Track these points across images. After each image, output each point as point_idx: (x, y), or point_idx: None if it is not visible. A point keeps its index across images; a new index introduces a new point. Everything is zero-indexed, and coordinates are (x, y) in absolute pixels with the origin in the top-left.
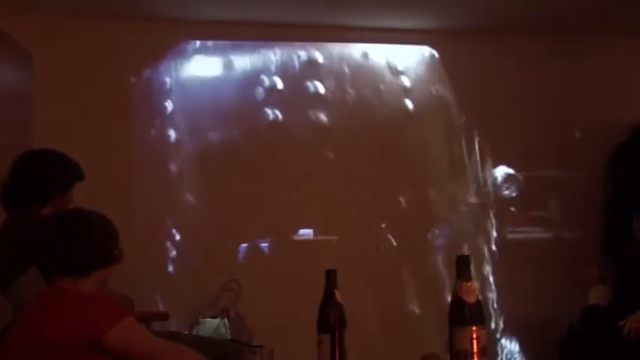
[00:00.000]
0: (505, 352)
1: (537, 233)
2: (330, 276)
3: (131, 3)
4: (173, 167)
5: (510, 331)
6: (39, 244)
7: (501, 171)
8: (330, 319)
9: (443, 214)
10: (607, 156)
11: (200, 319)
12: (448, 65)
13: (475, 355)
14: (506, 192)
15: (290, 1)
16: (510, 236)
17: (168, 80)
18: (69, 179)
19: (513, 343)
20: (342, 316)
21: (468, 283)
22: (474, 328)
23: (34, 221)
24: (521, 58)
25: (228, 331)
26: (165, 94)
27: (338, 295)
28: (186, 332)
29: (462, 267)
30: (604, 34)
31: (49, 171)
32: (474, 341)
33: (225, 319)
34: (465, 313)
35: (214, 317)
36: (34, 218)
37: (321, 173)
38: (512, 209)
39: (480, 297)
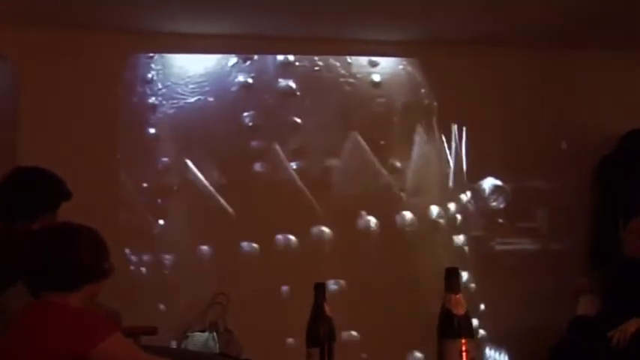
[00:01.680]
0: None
1: (525, 244)
2: (319, 289)
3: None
4: (161, 171)
5: (499, 342)
6: (27, 258)
7: (489, 183)
8: (319, 333)
9: (428, 225)
10: (593, 167)
11: (188, 334)
12: (431, 77)
13: None
14: (494, 203)
15: (270, 14)
16: (498, 247)
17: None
18: (57, 198)
19: (502, 355)
20: (331, 330)
21: (457, 296)
22: (463, 341)
23: (21, 235)
24: (506, 70)
25: (217, 345)
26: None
27: (327, 309)
28: (175, 347)
29: (450, 279)
30: (589, 46)
31: (37, 189)
32: (464, 353)
33: (214, 333)
34: (454, 326)
35: (203, 331)
36: (21, 233)
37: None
38: (500, 220)
39: (468, 309)
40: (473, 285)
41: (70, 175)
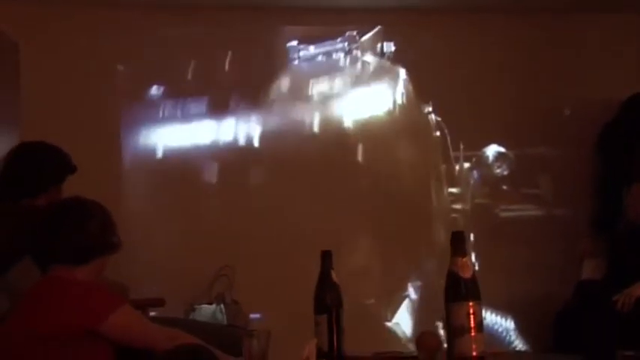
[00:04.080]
0: (500, 329)
1: (529, 211)
2: (326, 257)
3: None
4: (164, 150)
5: (503, 309)
6: (35, 233)
7: (492, 150)
8: (327, 300)
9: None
10: (596, 133)
11: (195, 306)
12: (428, 46)
13: (472, 330)
14: (498, 170)
15: None
16: (502, 214)
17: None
18: (62, 172)
19: (507, 321)
20: (338, 297)
21: (464, 259)
22: (470, 304)
23: (28, 211)
24: (507, 36)
25: (225, 317)
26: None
27: (334, 276)
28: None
29: (456, 243)
30: (590, 10)
31: (43, 164)
32: (471, 316)
33: (221, 305)
34: (461, 289)
35: (210, 304)
36: (28, 208)
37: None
38: (504, 187)
39: (474, 272)
40: (477, 252)
41: (72, 148)
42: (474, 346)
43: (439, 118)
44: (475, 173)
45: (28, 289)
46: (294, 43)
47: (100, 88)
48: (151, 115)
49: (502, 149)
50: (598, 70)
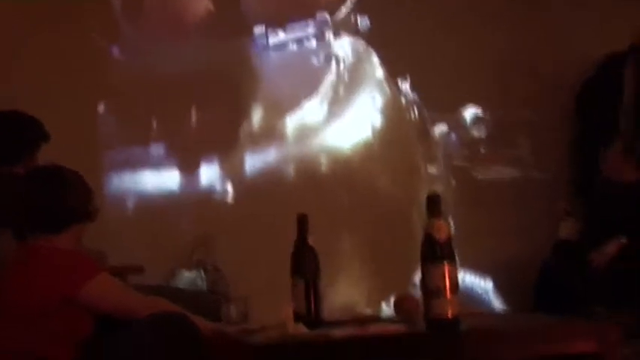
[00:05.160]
0: (479, 291)
1: (507, 173)
2: (302, 221)
3: None
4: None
5: (481, 271)
6: (11, 203)
7: (470, 112)
8: (304, 264)
9: (414, 158)
10: (574, 93)
11: (176, 272)
12: (403, 14)
13: (447, 291)
14: (476, 132)
15: None
16: (480, 177)
17: None
18: (36, 140)
19: (487, 283)
20: (315, 260)
21: (439, 221)
22: (445, 265)
23: (5, 179)
24: None
25: (205, 284)
26: None
27: (311, 240)
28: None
29: (432, 205)
30: None
31: (16, 132)
32: (446, 278)
33: (202, 272)
34: (437, 250)
35: (190, 270)
36: (4, 176)
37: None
38: (482, 150)
39: (451, 234)
40: (455, 215)
41: (47, 116)
42: (449, 308)
43: (413, 87)
44: (453, 136)
45: (9, 260)
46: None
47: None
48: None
49: (480, 111)
50: (575, 29)
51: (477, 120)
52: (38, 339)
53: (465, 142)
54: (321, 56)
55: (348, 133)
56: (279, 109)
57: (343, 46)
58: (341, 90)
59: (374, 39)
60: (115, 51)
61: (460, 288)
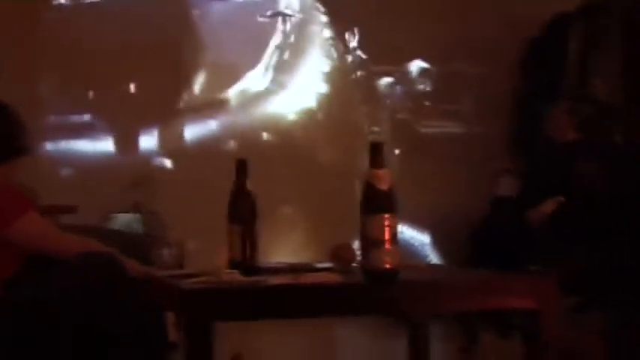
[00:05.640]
0: (417, 243)
1: (450, 128)
2: (241, 166)
3: None
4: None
5: (422, 224)
6: None
7: (416, 65)
8: (240, 210)
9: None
10: (518, 50)
11: (111, 215)
12: None
13: (387, 243)
14: (421, 86)
15: None
16: (424, 130)
17: None
18: None
19: (425, 236)
20: (252, 207)
21: (381, 171)
22: (386, 216)
23: None
24: None
25: (141, 227)
26: None
27: (249, 185)
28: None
29: (374, 154)
30: None
31: None
32: (386, 229)
33: (138, 215)
34: (377, 201)
35: (126, 212)
36: None
37: None
38: (426, 103)
39: (392, 185)
40: (397, 167)
41: None
42: (388, 259)
43: (360, 43)
44: (397, 89)
45: None
46: None
47: None
48: None
49: (425, 65)
50: None
51: (422, 73)
52: None
53: (409, 95)
54: (267, 12)
55: (292, 100)
56: (221, 74)
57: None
58: (286, 54)
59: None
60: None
61: (399, 240)
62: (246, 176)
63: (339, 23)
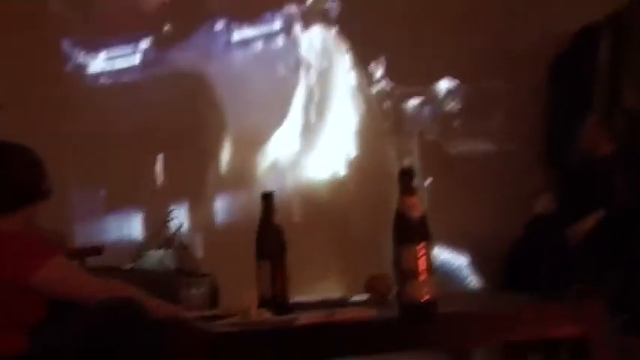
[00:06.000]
0: (453, 268)
1: (481, 147)
2: (267, 199)
3: None
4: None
5: (458, 247)
6: None
7: (444, 84)
8: (268, 245)
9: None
10: (547, 66)
11: (143, 252)
12: None
13: (422, 273)
14: (450, 106)
15: None
16: (454, 151)
17: None
18: None
19: (462, 259)
20: (280, 241)
21: (412, 198)
22: (419, 245)
23: None
24: None
25: (173, 262)
26: None
27: (276, 219)
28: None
29: (404, 180)
30: None
31: None
32: (421, 259)
33: (169, 250)
34: (410, 230)
35: (158, 249)
36: None
37: None
38: (456, 123)
39: (425, 212)
40: (429, 189)
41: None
42: (424, 290)
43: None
44: (426, 110)
45: None
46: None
47: None
48: None
49: (453, 84)
50: (549, 3)
51: (450, 92)
52: None
53: (438, 115)
54: (290, 60)
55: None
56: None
57: (312, 40)
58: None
59: (344, 23)
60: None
61: (434, 266)
62: (272, 210)
63: (364, 53)
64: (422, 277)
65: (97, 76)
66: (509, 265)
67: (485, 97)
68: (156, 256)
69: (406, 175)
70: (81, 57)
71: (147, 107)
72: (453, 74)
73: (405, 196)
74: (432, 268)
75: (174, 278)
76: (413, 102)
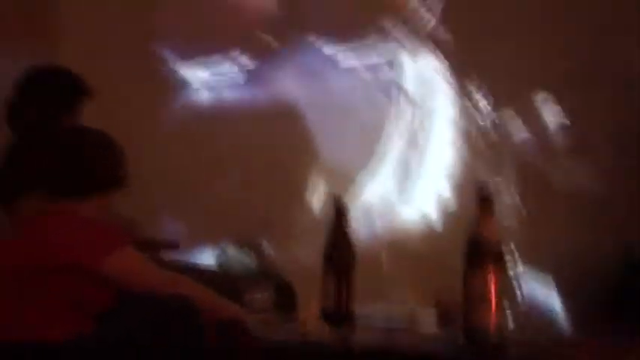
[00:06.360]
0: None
1: (578, 165)
2: (340, 206)
3: None
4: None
5: (546, 276)
6: (36, 164)
7: (541, 99)
8: (338, 255)
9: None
10: None
11: (224, 249)
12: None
13: (492, 299)
14: (548, 122)
15: None
16: (551, 170)
17: None
18: (73, 95)
19: (548, 283)
20: (351, 252)
21: (489, 220)
22: (491, 270)
23: (40, 140)
24: None
25: (254, 263)
26: None
27: (347, 231)
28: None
29: (483, 201)
30: None
31: (52, 87)
32: (492, 284)
33: (250, 250)
34: (484, 253)
35: (238, 247)
36: (39, 136)
37: None
38: (554, 140)
39: (500, 235)
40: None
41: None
42: (493, 319)
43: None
44: (521, 125)
45: (26, 222)
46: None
47: None
48: None
49: (550, 98)
50: None
51: (548, 107)
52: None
53: (535, 133)
54: (389, 89)
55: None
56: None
57: (412, 67)
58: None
59: (442, 44)
60: None
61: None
62: (345, 218)
63: (462, 75)
64: (492, 304)
65: (194, 92)
66: (610, 302)
67: (585, 112)
68: (236, 256)
69: (484, 195)
70: (179, 71)
71: (240, 127)
72: (549, 88)
73: (482, 218)
74: (503, 294)
75: (243, 280)
76: (513, 123)
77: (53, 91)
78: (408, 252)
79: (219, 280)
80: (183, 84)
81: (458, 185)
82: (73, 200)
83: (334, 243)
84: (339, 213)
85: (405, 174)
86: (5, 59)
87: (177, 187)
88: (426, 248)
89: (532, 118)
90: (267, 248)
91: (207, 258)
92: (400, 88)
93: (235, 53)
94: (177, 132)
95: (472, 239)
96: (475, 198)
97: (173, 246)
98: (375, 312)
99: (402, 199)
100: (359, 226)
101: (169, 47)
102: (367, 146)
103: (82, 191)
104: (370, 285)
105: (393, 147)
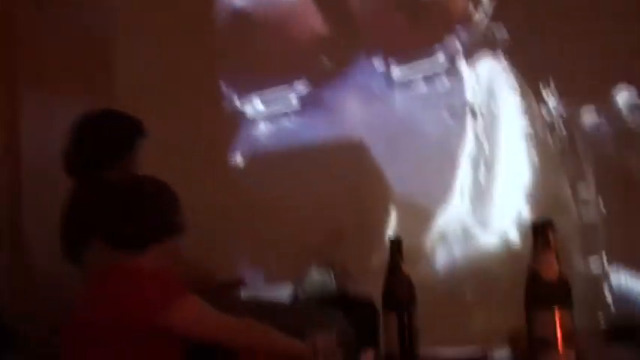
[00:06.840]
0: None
1: None
2: (395, 245)
3: None
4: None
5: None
6: (92, 216)
7: (620, 93)
8: (396, 294)
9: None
10: None
11: (304, 275)
12: None
13: (558, 344)
14: (628, 116)
15: None
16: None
17: None
18: (130, 137)
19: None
20: (410, 290)
21: (548, 255)
22: (555, 311)
23: (97, 186)
24: None
25: (335, 285)
26: None
27: (404, 268)
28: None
29: (539, 235)
30: None
31: (108, 130)
32: (557, 327)
33: (331, 272)
34: (545, 292)
35: (319, 271)
36: (97, 183)
37: None
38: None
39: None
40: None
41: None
42: None
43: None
44: (601, 124)
45: (89, 279)
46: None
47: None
48: None
49: (630, 91)
50: None
51: (628, 102)
52: None
53: (615, 128)
54: (455, 103)
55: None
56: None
57: (477, 77)
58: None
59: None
60: None
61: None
62: (401, 257)
63: (532, 79)
64: (558, 348)
65: (253, 120)
66: None
67: None
68: (317, 280)
69: (540, 228)
70: (236, 99)
71: (307, 157)
72: (629, 80)
73: (539, 252)
74: (572, 337)
75: (307, 319)
76: (588, 121)
77: (111, 132)
78: (489, 278)
79: (291, 313)
80: (245, 118)
81: (535, 199)
82: (133, 253)
83: (391, 281)
84: (394, 250)
85: (479, 193)
86: (62, 109)
87: (244, 224)
88: (508, 273)
89: (611, 115)
90: (348, 269)
91: (281, 292)
92: (464, 101)
93: (295, 81)
94: (240, 168)
95: (530, 277)
96: (531, 233)
97: (239, 284)
98: (441, 353)
99: (479, 222)
100: (437, 256)
101: (228, 82)
102: (437, 168)
103: (140, 244)
104: (452, 315)
105: (464, 166)
